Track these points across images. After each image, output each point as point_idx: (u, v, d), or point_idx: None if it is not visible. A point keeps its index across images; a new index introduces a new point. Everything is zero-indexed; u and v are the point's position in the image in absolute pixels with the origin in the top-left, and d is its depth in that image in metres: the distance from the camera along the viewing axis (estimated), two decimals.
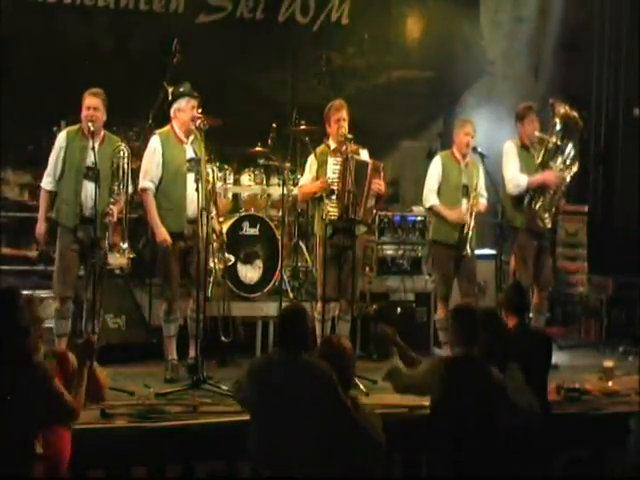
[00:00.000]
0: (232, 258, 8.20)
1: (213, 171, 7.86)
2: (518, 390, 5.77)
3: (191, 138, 7.72)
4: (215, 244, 7.75)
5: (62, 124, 8.73)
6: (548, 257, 8.61)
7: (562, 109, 8.36)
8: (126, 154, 7.48)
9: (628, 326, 9.76)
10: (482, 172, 8.34)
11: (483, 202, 8.34)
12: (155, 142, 7.74)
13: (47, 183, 7.54)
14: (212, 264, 7.97)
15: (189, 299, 7.73)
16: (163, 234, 7.62)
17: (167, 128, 7.80)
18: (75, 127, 7.57)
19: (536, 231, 8.38)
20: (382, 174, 7.94)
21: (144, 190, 7.71)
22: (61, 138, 7.53)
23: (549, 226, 8.40)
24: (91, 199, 7.27)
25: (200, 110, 7.71)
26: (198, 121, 7.62)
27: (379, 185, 7.87)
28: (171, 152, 7.68)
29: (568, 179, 8.43)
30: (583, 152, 8.77)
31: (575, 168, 8.43)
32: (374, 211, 8.03)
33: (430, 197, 8.35)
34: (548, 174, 8.34)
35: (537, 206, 8.34)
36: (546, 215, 8.35)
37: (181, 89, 7.85)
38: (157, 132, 7.81)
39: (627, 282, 10.06)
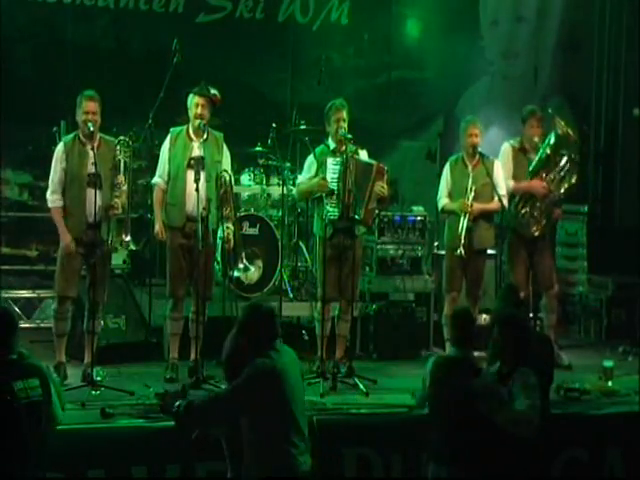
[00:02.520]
0: (251, 267, 8.11)
1: (230, 175, 7.76)
2: (524, 391, 5.72)
3: (205, 136, 7.72)
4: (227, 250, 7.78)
5: (62, 124, 8.74)
6: (544, 258, 8.55)
7: (560, 127, 8.35)
8: (127, 148, 7.50)
9: (628, 326, 9.75)
10: (496, 170, 8.30)
11: (496, 200, 8.20)
12: (167, 139, 7.82)
13: (56, 201, 7.44)
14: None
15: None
16: (157, 227, 7.74)
17: (184, 125, 7.85)
18: (70, 136, 7.54)
19: (525, 236, 8.40)
20: (385, 177, 7.93)
21: (153, 185, 7.85)
22: (59, 151, 7.46)
23: (536, 234, 8.39)
24: (94, 205, 7.29)
25: (201, 109, 7.71)
26: (197, 121, 7.64)
27: (382, 188, 7.86)
28: (177, 149, 7.72)
29: (561, 192, 8.42)
30: (582, 165, 8.73)
31: (569, 182, 8.42)
32: (375, 213, 8.03)
33: (440, 202, 8.41)
34: (535, 183, 8.36)
35: (523, 211, 8.36)
36: (532, 222, 8.36)
37: (196, 88, 7.88)
38: (171, 130, 7.86)
39: (627, 282, 10.05)
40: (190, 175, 7.52)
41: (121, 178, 7.42)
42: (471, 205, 8.14)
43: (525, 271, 8.48)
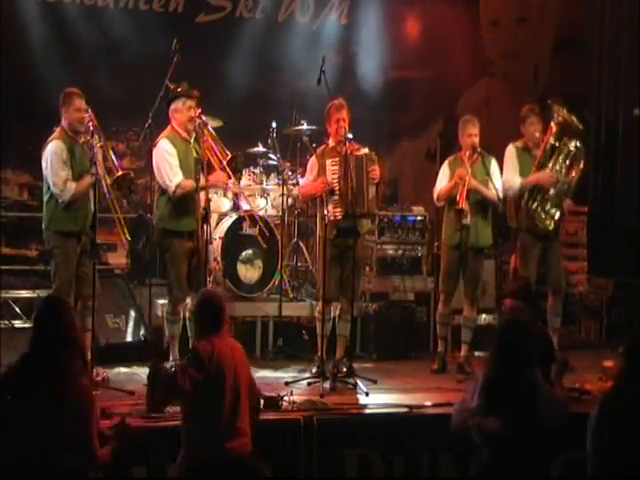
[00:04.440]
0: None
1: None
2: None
3: (192, 137, 7.72)
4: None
5: None
6: (556, 258, 8.55)
7: (561, 113, 8.37)
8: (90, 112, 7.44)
9: (628, 326, 9.74)
10: (493, 166, 8.29)
11: (492, 191, 8.20)
12: (167, 145, 7.65)
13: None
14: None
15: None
16: (220, 177, 7.65)
17: (170, 130, 7.75)
18: (59, 136, 7.44)
19: (538, 232, 8.38)
20: (376, 160, 7.93)
21: (178, 185, 7.57)
22: (59, 149, 7.35)
23: (550, 228, 8.38)
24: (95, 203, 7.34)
25: (199, 110, 7.71)
26: (198, 121, 7.62)
27: (375, 171, 7.85)
28: (183, 152, 7.66)
29: (570, 179, 8.42)
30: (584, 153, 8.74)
31: (578, 169, 8.43)
32: (375, 200, 8.04)
33: (435, 192, 8.36)
34: (542, 174, 8.35)
35: (534, 206, 8.35)
36: (545, 216, 8.35)
37: (178, 89, 7.84)
38: (164, 136, 7.73)
39: (627, 282, 10.05)
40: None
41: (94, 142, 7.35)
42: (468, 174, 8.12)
43: (536, 271, 8.45)
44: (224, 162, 7.62)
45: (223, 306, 5.66)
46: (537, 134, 8.39)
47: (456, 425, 5.48)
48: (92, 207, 7.34)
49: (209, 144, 7.65)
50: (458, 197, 8.09)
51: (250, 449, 5.50)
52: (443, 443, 6.74)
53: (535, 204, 8.35)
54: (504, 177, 8.35)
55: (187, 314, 7.76)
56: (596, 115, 11.32)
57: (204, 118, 7.72)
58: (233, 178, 7.89)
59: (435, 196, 8.40)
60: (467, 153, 8.24)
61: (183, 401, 5.51)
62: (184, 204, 7.62)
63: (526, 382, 5.34)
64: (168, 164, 7.62)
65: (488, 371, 5.41)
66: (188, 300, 7.75)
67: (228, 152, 7.69)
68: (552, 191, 8.37)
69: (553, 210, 8.39)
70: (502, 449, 5.28)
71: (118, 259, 9.55)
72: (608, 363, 7.85)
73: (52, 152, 7.37)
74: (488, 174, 8.18)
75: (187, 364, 5.51)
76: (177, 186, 7.58)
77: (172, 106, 7.76)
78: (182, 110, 7.68)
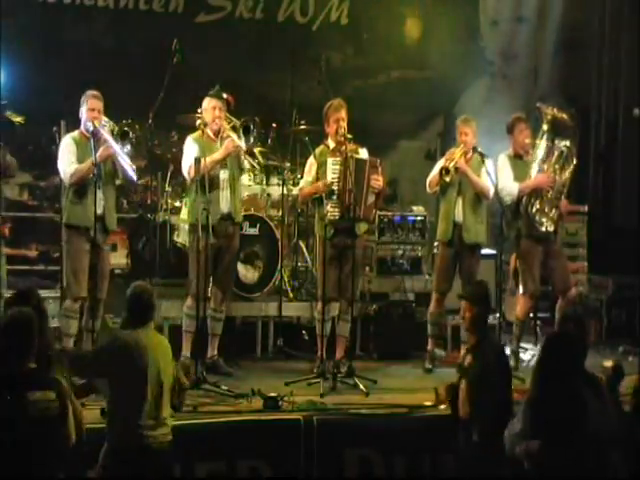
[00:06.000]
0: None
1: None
2: None
3: (219, 138, 7.82)
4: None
5: (62, 124, 8.74)
6: (558, 260, 8.51)
7: (549, 112, 8.36)
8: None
9: (628, 326, 9.74)
10: (490, 166, 8.26)
11: (486, 181, 8.21)
12: (188, 143, 7.88)
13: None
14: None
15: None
16: (231, 144, 7.72)
17: (197, 131, 7.96)
18: (74, 134, 7.65)
19: (539, 236, 8.36)
20: (380, 169, 7.95)
21: (191, 165, 7.66)
22: (69, 143, 7.58)
23: (551, 229, 8.36)
24: (101, 199, 7.46)
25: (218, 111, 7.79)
26: (215, 122, 7.74)
27: (377, 181, 7.88)
28: (203, 150, 7.74)
29: (564, 178, 8.42)
30: (582, 151, 8.74)
31: (571, 167, 8.43)
32: (374, 207, 8.04)
33: (428, 178, 8.38)
34: (539, 176, 8.33)
35: (534, 210, 8.33)
36: (545, 219, 8.34)
37: (212, 91, 7.95)
38: (190, 135, 7.93)
39: (627, 282, 10.04)
40: (223, 174, 7.73)
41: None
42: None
43: (540, 275, 8.43)
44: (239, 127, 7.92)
45: (152, 302, 5.77)
46: (527, 140, 8.39)
47: (509, 452, 5.37)
48: (98, 206, 7.39)
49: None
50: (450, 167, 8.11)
51: (170, 439, 5.59)
52: (443, 443, 6.74)
53: (534, 208, 8.34)
54: (501, 184, 8.33)
55: (210, 312, 7.83)
56: (596, 115, 11.32)
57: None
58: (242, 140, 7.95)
59: (427, 181, 8.39)
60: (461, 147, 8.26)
61: (109, 386, 5.59)
62: (204, 199, 7.65)
63: (575, 399, 5.21)
64: (187, 153, 7.82)
65: (533, 391, 5.31)
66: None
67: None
68: (550, 193, 8.37)
69: (552, 212, 8.39)
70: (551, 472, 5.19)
71: (118, 259, 9.54)
72: (608, 363, 7.84)
73: (61, 146, 7.68)
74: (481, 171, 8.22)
75: (101, 347, 5.67)
76: (190, 167, 7.69)
77: (203, 105, 7.94)
78: (207, 109, 7.89)
